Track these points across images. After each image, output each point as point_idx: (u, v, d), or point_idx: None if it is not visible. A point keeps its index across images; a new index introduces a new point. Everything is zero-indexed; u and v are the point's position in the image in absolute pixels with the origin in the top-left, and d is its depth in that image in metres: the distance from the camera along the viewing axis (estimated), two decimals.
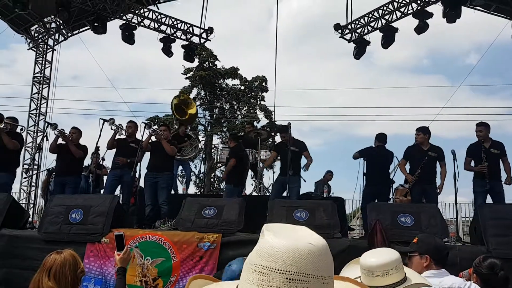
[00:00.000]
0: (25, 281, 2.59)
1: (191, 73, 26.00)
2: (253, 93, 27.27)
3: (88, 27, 11.44)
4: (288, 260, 0.84)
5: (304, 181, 7.32)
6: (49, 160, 13.99)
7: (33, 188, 10.58)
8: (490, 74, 38.46)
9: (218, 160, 12.45)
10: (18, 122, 7.19)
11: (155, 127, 7.58)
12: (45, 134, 8.01)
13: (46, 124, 8.37)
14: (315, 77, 38.46)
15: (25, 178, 11.30)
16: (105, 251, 5.27)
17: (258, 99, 27.23)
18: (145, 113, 30.86)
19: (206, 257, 5.11)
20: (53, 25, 11.89)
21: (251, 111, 27.19)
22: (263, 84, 26.83)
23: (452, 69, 40.85)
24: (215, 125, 26.39)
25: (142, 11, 11.11)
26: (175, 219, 5.75)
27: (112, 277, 5.06)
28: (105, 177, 7.98)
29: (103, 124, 6.99)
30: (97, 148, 7.34)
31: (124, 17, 10.83)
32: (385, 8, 10.11)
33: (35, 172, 10.33)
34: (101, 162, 8.10)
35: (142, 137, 6.90)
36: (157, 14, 11.15)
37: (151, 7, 11.24)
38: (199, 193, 21.22)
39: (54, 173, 7.99)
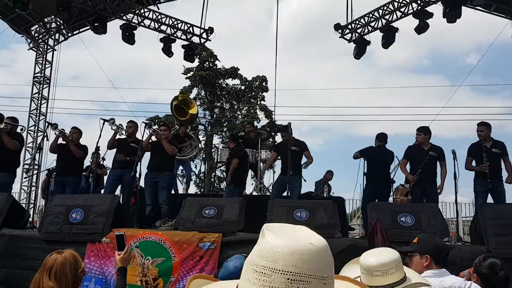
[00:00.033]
0: (26, 281, 2.59)
1: (191, 73, 26.01)
2: (253, 93, 27.28)
3: (88, 27, 11.44)
4: (289, 261, 0.84)
5: (305, 180, 7.33)
6: (50, 160, 14.03)
7: (33, 188, 10.59)
8: (490, 74, 38.55)
9: (219, 160, 12.44)
10: (18, 122, 7.19)
11: (155, 127, 7.58)
12: (45, 134, 8.01)
13: (47, 124, 8.38)
14: (315, 77, 38.52)
15: (25, 178, 11.30)
16: (106, 251, 5.28)
17: (258, 99, 27.25)
18: (146, 113, 30.91)
19: (206, 257, 5.11)
20: (53, 25, 11.90)
21: (251, 111, 27.19)
22: (263, 84, 26.84)
23: (453, 69, 40.90)
24: (215, 125, 26.40)
25: (142, 11, 11.11)
26: (176, 219, 5.75)
27: (112, 277, 5.06)
28: (105, 177, 7.98)
29: (104, 124, 7.00)
30: (97, 148, 7.35)
31: (124, 17, 10.84)
32: (385, 8, 10.11)
33: (35, 172, 10.33)
34: (101, 162, 8.10)
35: (143, 137, 6.91)
36: (157, 14, 11.15)
37: (151, 7, 11.24)
38: (199, 193, 21.24)
39: (54, 173, 8.00)
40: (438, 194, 6.48)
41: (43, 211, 7.51)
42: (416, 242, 2.76)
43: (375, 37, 10.37)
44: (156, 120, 22.82)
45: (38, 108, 11.87)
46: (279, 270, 0.84)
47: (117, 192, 7.15)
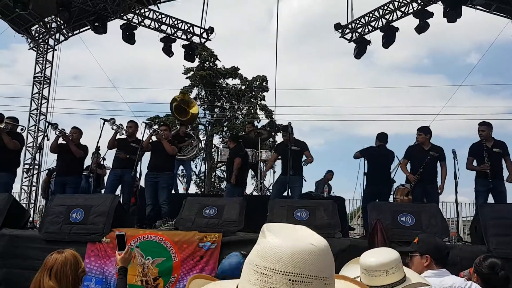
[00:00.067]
0: (26, 281, 2.59)
1: (192, 73, 26.01)
2: (253, 93, 27.27)
3: (88, 27, 11.45)
4: (290, 262, 0.84)
5: (305, 180, 7.33)
6: (50, 160, 14.04)
7: (33, 188, 10.61)
8: (491, 73, 38.55)
9: (219, 160, 12.45)
10: (19, 122, 7.19)
11: (156, 127, 7.58)
12: (45, 134, 8.00)
13: (47, 124, 8.37)
14: (315, 77, 38.51)
15: (25, 178, 11.31)
16: (106, 250, 5.28)
17: (259, 99, 27.24)
18: (146, 113, 30.95)
19: (206, 257, 5.11)
20: (53, 25, 11.91)
21: (252, 110, 27.19)
22: (264, 83, 26.84)
23: (453, 69, 40.87)
24: (215, 124, 26.40)
25: (142, 11, 11.12)
26: (176, 219, 5.75)
27: (112, 277, 5.07)
28: (105, 177, 7.98)
29: (104, 124, 6.99)
30: (97, 148, 7.35)
31: (124, 17, 10.84)
32: (385, 7, 10.11)
33: (35, 172, 10.35)
34: (101, 162, 8.11)
35: (143, 137, 6.91)
36: (157, 14, 11.16)
37: (152, 7, 11.25)
38: (199, 192, 21.24)
39: (54, 173, 8.00)
40: (439, 194, 6.48)
41: (43, 211, 7.51)
42: (416, 242, 2.76)
43: (376, 37, 10.39)
44: (157, 120, 22.83)
45: (39, 108, 11.88)
46: (280, 271, 0.84)
47: (118, 192, 7.15)
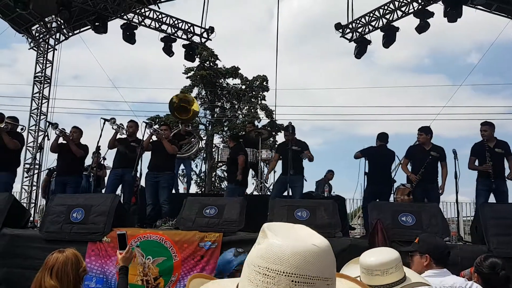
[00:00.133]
0: (27, 281, 2.59)
1: (192, 72, 26.01)
2: (254, 93, 27.28)
3: (89, 26, 11.46)
4: (293, 263, 0.84)
5: (305, 180, 7.32)
6: (50, 159, 14.05)
7: (34, 188, 10.62)
8: (491, 73, 38.56)
9: (219, 160, 12.43)
10: (19, 121, 7.20)
11: (156, 126, 7.58)
12: (46, 134, 8.00)
13: (47, 123, 8.38)
14: (316, 77, 38.53)
15: (26, 177, 11.32)
16: (106, 250, 5.28)
17: (259, 99, 27.25)
18: (146, 112, 30.94)
19: (207, 257, 5.11)
20: (54, 24, 11.92)
21: (252, 110, 27.19)
22: (264, 83, 26.84)
23: (453, 69, 40.88)
24: (216, 124, 26.41)
25: (143, 10, 11.12)
26: (176, 219, 5.76)
27: (113, 276, 5.07)
28: (106, 177, 7.98)
29: (104, 123, 6.99)
30: (98, 148, 7.34)
31: (125, 17, 10.84)
32: (386, 7, 10.10)
33: (36, 171, 10.35)
34: (102, 162, 8.10)
35: (143, 136, 6.91)
36: (158, 13, 11.16)
37: (152, 6, 11.25)
38: (200, 192, 21.24)
39: (55, 172, 8.00)
40: (440, 194, 6.48)
41: (44, 211, 7.51)
42: (417, 242, 2.76)
43: (376, 37, 10.39)
44: (157, 120, 22.86)
45: (39, 107, 11.89)
46: (283, 272, 0.83)
47: (118, 191, 7.16)
